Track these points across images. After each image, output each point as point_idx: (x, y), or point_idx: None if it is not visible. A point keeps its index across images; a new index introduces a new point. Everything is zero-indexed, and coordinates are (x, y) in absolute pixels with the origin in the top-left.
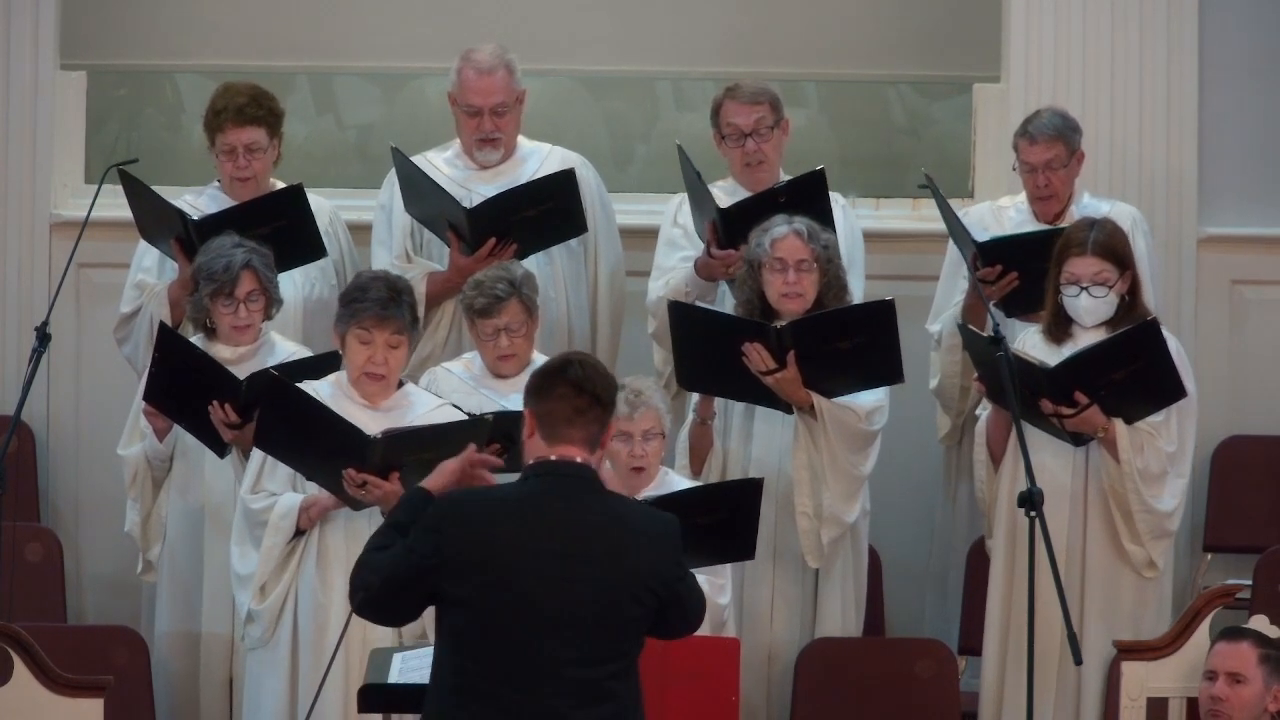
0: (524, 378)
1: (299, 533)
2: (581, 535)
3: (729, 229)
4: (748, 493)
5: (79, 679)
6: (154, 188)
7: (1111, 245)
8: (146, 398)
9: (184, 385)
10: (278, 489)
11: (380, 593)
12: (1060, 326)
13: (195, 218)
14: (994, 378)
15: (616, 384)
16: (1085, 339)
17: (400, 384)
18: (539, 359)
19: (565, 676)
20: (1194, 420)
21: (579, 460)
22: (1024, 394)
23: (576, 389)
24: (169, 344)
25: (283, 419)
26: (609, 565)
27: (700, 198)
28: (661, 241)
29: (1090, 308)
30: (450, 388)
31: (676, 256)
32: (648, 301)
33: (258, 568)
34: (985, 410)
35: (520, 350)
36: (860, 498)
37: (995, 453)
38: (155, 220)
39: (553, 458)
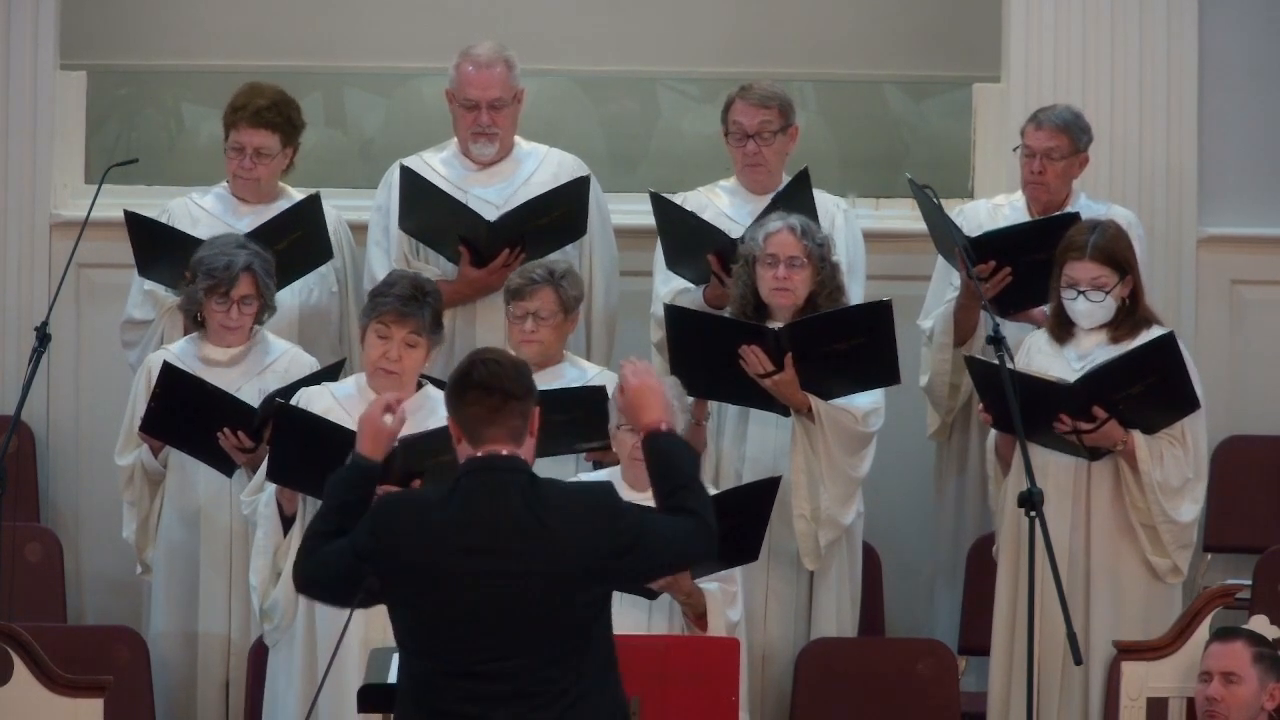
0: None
1: (291, 521)
2: (509, 530)
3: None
4: (764, 493)
5: (79, 679)
6: (155, 187)
7: (1110, 250)
8: (144, 429)
9: (187, 416)
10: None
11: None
12: (1063, 327)
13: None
14: (999, 406)
15: (529, 371)
16: (1087, 340)
17: (420, 385)
18: (576, 364)
19: (508, 674)
20: (1204, 425)
21: (505, 453)
22: (1037, 414)
23: (486, 390)
24: (174, 382)
25: (295, 446)
26: (540, 558)
27: (697, 234)
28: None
29: (1087, 311)
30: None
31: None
32: (654, 311)
33: (258, 562)
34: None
35: (546, 339)
36: (857, 499)
37: (1006, 461)
38: (167, 254)
39: (479, 454)
